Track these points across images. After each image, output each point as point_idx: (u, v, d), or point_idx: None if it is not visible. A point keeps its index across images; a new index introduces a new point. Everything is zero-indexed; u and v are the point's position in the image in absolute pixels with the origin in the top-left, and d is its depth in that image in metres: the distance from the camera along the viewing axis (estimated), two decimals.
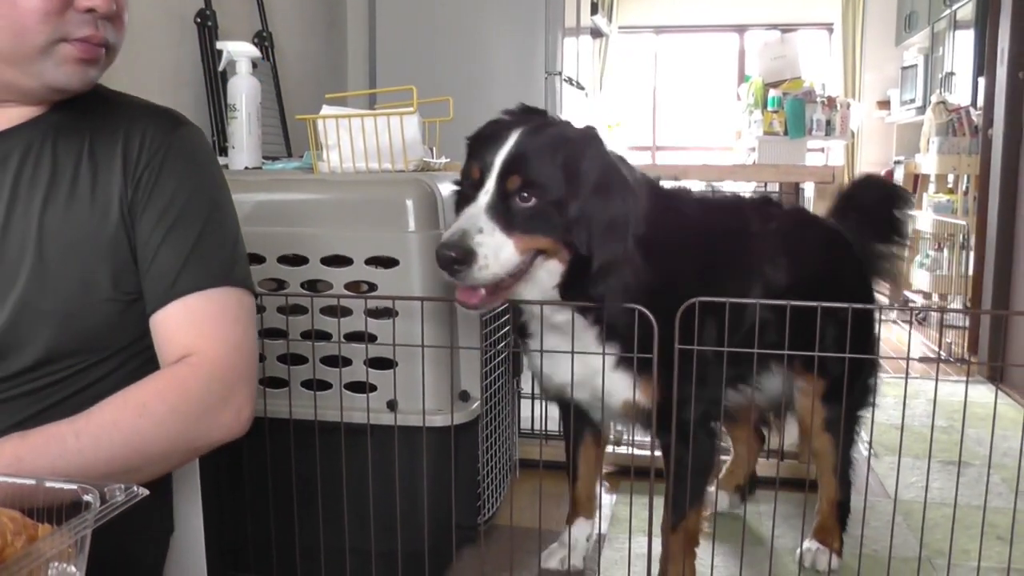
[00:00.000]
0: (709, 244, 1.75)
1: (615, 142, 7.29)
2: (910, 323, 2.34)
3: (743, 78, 6.85)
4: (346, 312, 1.78)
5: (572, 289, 1.56)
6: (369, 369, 1.79)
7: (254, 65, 2.15)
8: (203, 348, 1.08)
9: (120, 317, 1.11)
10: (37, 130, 1.11)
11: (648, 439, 1.76)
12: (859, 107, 6.45)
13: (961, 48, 5.58)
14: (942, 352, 4.20)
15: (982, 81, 4.26)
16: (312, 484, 1.76)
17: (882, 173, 7.12)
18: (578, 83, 4.01)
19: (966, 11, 5.42)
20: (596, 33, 5.80)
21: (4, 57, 1.03)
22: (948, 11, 5.67)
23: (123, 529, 0.74)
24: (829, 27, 7.78)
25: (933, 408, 1.56)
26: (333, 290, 1.82)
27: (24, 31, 1.02)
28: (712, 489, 2.22)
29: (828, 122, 5.55)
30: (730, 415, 2.02)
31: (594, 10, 4.76)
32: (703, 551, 2.01)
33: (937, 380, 1.63)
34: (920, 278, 5.07)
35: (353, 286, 1.82)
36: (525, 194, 1.47)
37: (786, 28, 7.22)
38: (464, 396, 1.90)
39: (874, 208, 2.13)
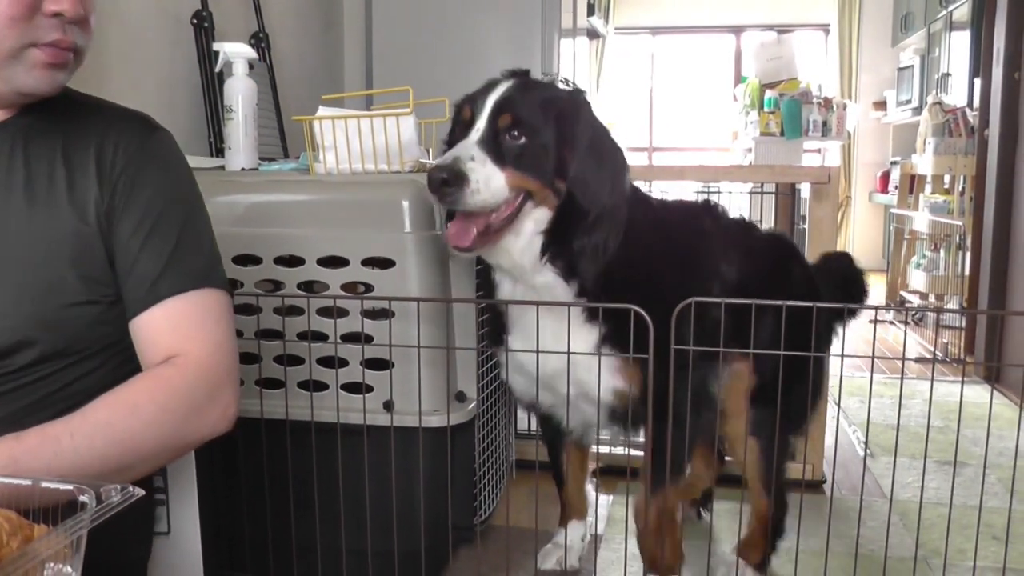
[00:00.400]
0: (675, 239, 1.76)
1: None
2: (906, 323, 2.34)
3: (740, 79, 6.86)
4: (342, 313, 1.78)
5: (556, 241, 1.55)
6: (365, 370, 1.79)
7: (251, 66, 2.15)
8: (188, 349, 1.10)
9: (99, 319, 1.12)
10: (7, 133, 1.11)
11: (644, 439, 1.75)
12: (855, 108, 6.46)
13: (957, 49, 5.59)
14: (938, 352, 4.21)
15: (978, 82, 4.27)
16: (308, 485, 1.76)
17: (878, 174, 7.15)
18: (574, 84, 4.01)
19: (962, 12, 5.44)
20: (592, 34, 5.81)
21: None
22: (944, 12, 5.68)
23: (106, 529, 0.75)
24: (825, 28, 7.80)
25: (929, 408, 1.56)
26: (329, 291, 1.82)
27: None
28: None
29: (824, 123, 5.57)
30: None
31: (590, 11, 4.77)
32: (699, 551, 2.01)
33: (933, 380, 1.64)
34: (916, 278, 5.08)
35: (349, 287, 1.83)
36: (515, 132, 1.49)
37: (782, 29, 7.24)
38: (460, 397, 1.90)
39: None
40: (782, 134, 5.48)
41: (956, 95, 5.50)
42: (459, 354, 1.89)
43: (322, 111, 2.01)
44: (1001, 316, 3.46)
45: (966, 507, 2.29)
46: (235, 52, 2.13)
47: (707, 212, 1.90)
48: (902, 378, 1.68)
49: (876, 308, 1.69)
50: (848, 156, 7.50)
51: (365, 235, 1.81)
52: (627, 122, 8.20)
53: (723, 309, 1.56)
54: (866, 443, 2.81)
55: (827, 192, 2.44)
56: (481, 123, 1.50)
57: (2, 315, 1.06)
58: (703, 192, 3.02)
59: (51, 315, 1.08)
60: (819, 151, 6.91)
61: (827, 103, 5.57)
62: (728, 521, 2.20)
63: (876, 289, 6.35)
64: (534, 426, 2.57)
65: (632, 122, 8.35)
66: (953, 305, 4.53)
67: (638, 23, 8.11)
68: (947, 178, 5.31)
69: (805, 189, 2.91)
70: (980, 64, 4.19)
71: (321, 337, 1.80)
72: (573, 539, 2.02)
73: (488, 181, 1.45)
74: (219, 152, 2.52)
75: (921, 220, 5.06)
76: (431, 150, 2.20)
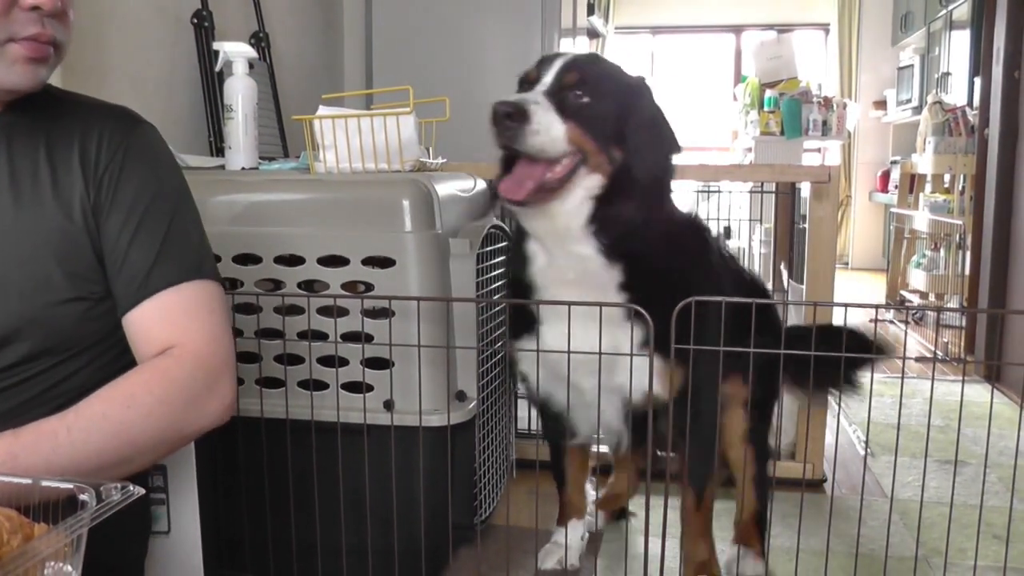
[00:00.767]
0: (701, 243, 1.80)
1: None
2: (906, 322, 2.34)
3: (739, 78, 6.86)
4: (343, 312, 1.78)
5: (604, 210, 1.56)
6: (366, 369, 1.79)
7: (251, 66, 2.15)
8: (183, 341, 1.10)
9: (87, 316, 1.12)
10: None
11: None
12: (855, 107, 6.46)
13: (957, 48, 5.60)
14: (938, 351, 4.21)
15: (978, 81, 4.27)
16: (309, 484, 1.76)
17: (878, 173, 7.15)
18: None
19: (962, 11, 5.44)
20: (592, 34, 5.80)
21: None
22: (944, 11, 5.68)
23: (101, 528, 0.75)
24: (825, 27, 7.80)
25: (929, 407, 1.56)
26: (330, 290, 1.82)
27: None
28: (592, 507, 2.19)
29: (824, 122, 5.56)
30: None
31: (590, 11, 4.77)
32: None
33: (933, 379, 1.64)
34: (916, 278, 5.08)
35: (350, 286, 1.82)
36: (579, 92, 1.51)
37: (782, 28, 7.25)
38: (461, 396, 1.90)
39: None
40: (782, 133, 5.48)
41: (956, 94, 5.51)
42: (459, 353, 1.89)
43: (322, 110, 2.01)
44: (1001, 315, 3.46)
45: (967, 506, 2.29)
46: (235, 51, 2.13)
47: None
48: (903, 377, 1.68)
49: (876, 307, 1.69)
50: (848, 155, 7.50)
51: (365, 234, 1.81)
52: None
53: (723, 308, 1.56)
54: (866, 442, 2.81)
55: (827, 191, 2.44)
56: (548, 78, 1.52)
57: None
58: (703, 191, 3.03)
59: (38, 313, 1.08)
60: (819, 150, 6.91)
61: (827, 102, 5.56)
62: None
63: (876, 288, 6.36)
64: (535, 426, 2.58)
65: None
66: (953, 304, 4.53)
67: (638, 22, 8.11)
68: (947, 177, 5.31)
69: (805, 188, 2.91)
70: (980, 63, 4.19)
71: (321, 336, 1.80)
72: (572, 538, 2.02)
73: (549, 127, 1.47)
74: (219, 151, 2.52)
75: (921, 219, 5.06)
76: (431, 149, 2.20)
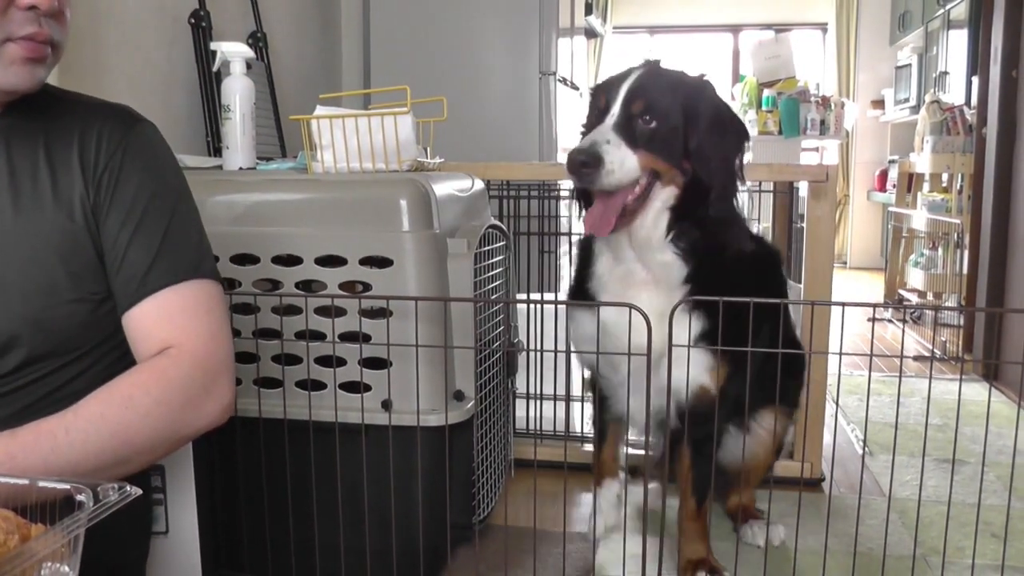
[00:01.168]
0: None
1: None
2: (904, 321, 2.34)
3: (738, 78, 6.86)
4: (340, 312, 1.78)
5: (681, 219, 1.64)
6: (364, 369, 1.79)
7: (248, 66, 2.15)
8: (181, 341, 1.10)
9: (89, 316, 1.12)
10: None
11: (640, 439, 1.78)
12: (853, 106, 6.46)
13: (955, 47, 5.60)
14: (936, 350, 4.21)
15: (976, 80, 4.27)
16: (307, 484, 1.76)
17: (876, 172, 7.15)
18: (572, 83, 4.01)
19: (959, 11, 5.44)
20: (591, 33, 5.81)
21: None
22: (941, 11, 5.69)
23: (101, 530, 0.75)
24: (823, 27, 7.80)
25: (927, 406, 1.57)
26: (327, 290, 1.82)
27: None
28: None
29: (822, 122, 5.56)
30: None
31: (588, 10, 4.77)
32: None
33: (931, 378, 1.64)
34: (915, 277, 5.09)
35: (347, 286, 1.82)
36: (647, 117, 1.60)
37: (780, 28, 7.25)
38: (459, 396, 1.90)
39: None
40: (780, 133, 5.48)
41: (954, 93, 5.51)
42: (457, 353, 1.89)
43: (319, 110, 2.01)
44: (999, 314, 3.47)
45: (965, 505, 2.29)
46: (233, 51, 2.13)
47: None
48: (900, 376, 1.68)
49: (874, 306, 1.68)
50: (846, 155, 7.50)
51: (363, 234, 1.81)
52: None
53: (720, 308, 1.56)
54: (865, 441, 2.81)
55: (825, 191, 2.44)
56: (616, 108, 1.61)
57: None
58: None
59: (41, 314, 1.08)
60: (817, 150, 6.91)
61: (825, 102, 5.57)
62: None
63: (874, 288, 6.36)
64: (533, 425, 2.58)
65: None
66: (951, 303, 4.53)
67: (636, 22, 8.11)
68: (945, 176, 5.31)
69: (803, 188, 2.91)
70: (978, 62, 4.19)
71: (319, 336, 1.80)
72: (608, 498, 2.07)
73: (622, 162, 1.57)
74: (217, 151, 2.52)
75: (919, 218, 5.06)
76: (428, 149, 2.20)
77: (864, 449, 2.75)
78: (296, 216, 1.85)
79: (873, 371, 2.00)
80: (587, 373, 2.14)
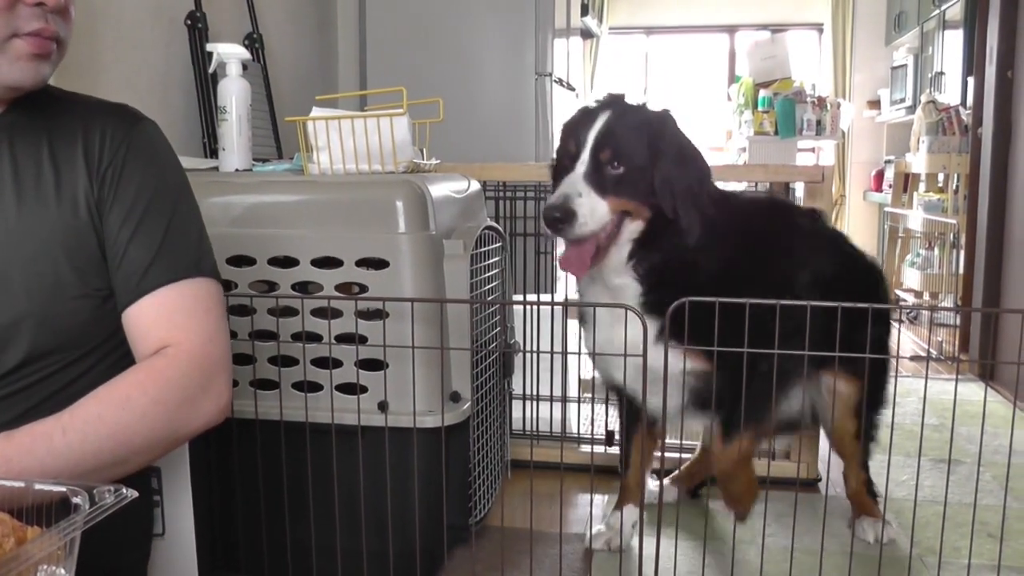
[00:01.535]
0: (751, 238, 1.88)
1: None
2: (900, 321, 2.35)
3: (734, 78, 6.86)
4: (336, 314, 1.78)
5: (643, 248, 1.74)
6: (360, 370, 1.79)
7: (244, 67, 2.15)
8: (179, 339, 1.10)
9: (94, 314, 1.12)
10: None
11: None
12: (849, 107, 6.46)
13: (950, 48, 5.60)
14: (932, 350, 4.22)
15: (971, 80, 4.28)
16: (303, 485, 1.76)
17: (872, 173, 7.16)
18: (568, 84, 4.01)
19: (955, 11, 5.44)
20: (586, 34, 5.81)
21: None
22: (937, 11, 5.69)
23: (103, 532, 0.75)
24: (819, 27, 7.80)
25: (923, 406, 1.57)
26: (323, 292, 1.82)
27: None
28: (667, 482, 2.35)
29: (818, 122, 5.57)
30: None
31: (584, 11, 4.77)
32: (694, 550, 2.01)
33: (927, 378, 1.64)
34: (911, 277, 5.09)
35: (344, 288, 1.82)
36: (615, 163, 1.69)
37: (776, 28, 7.25)
38: (455, 397, 1.90)
39: None
40: (776, 133, 5.48)
41: (950, 94, 5.51)
42: (453, 354, 1.89)
43: (315, 112, 2.01)
44: (995, 314, 3.47)
45: (961, 505, 2.29)
46: (229, 53, 2.13)
47: (774, 208, 2.10)
48: (896, 376, 1.68)
49: (870, 307, 1.68)
50: (842, 155, 7.50)
51: (359, 236, 1.81)
52: None
53: (716, 307, 1.57)
54: None
55: (821, 191, 2.44)
56: (585, 155, 1.70)
57: (3, 315, 1.06)
58: None
59: (46, 311, 1.08)
60: (813, 150, 6.92)
61: (821, 102, 5.57)
62: (758, 517, 2.21)
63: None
64: (529, 426, 2.58)
65: None
66: (947, 303, 4.54)
67: (632, 23, 8.11)
68: (941, 176, 5.31)
69: (799, 188, 2.91)
70: (973, 63, 4.19)
71: (315, 338, 1.80)
72: (625, 523, 2.08)
73: (593, 212, 1.67)
74: (213, 153, 2.52)
75: (915, 218, 5.06)
76: (425, 150, 2.20)
77: None
78: (292, 218, 1.85)
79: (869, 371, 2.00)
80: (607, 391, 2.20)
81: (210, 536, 1.85)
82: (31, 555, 0.69)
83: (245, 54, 2.17)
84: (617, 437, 2.38)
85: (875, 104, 7.33)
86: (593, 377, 2.72)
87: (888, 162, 6.46)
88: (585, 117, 1.76)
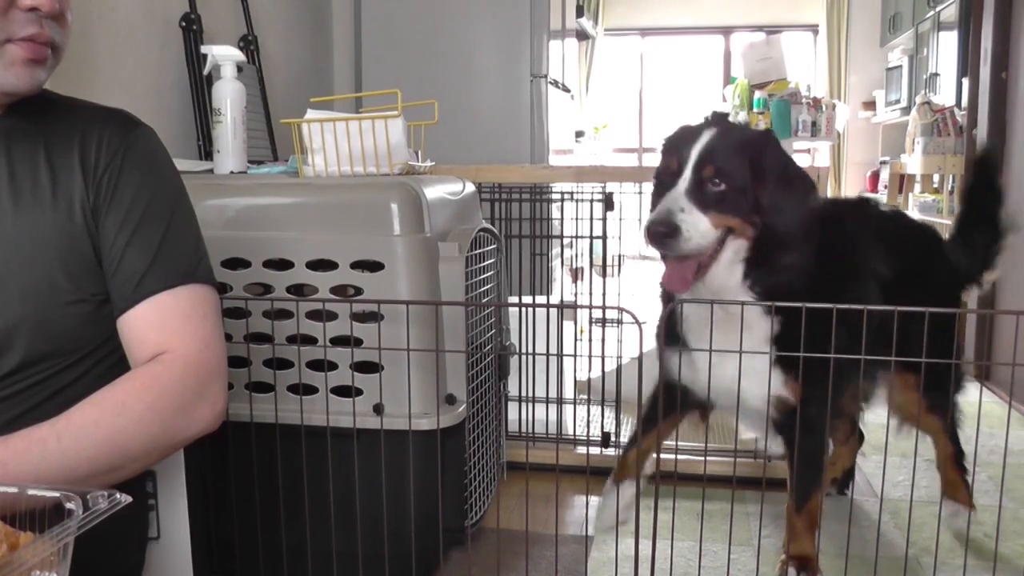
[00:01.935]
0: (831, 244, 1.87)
1: (602, 144, 7.32)
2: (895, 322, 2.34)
3: (729, 80, 6.87)
4: (331, 316, 1.78)
5: (757, 267, 1.73)
6: (355, 373, 1.79)
7: (239, 69, 2.15)
8: (175, 346, 1.10)
9: (89, 318, 1.12)
10: None
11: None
12: (844, 108, 6.48)
13: (945, 49, 5.61)
14: None
15: (966, 82, 4.28)
16: (298, 488, 1.75)
17: (868, 174, 7.17)
18: (564, 85, 4.02)
19: (950, 12, 5.45)
20: (582, 35, 5.81)
21: None
22: (932, 12, 5.70)
23: (99, 537, 0.74)
24: (814, 28, 7.82)
25: (919, 407, 1.57)
26: (319, 294, 1.82)
27: None
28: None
29: (814, 123, 5.57)
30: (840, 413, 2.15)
31: (580, 13, 4.77)
32: (690, 551, 2.02)
33: (923, 378, 1.64)
34: None
35: (339, 290, 1.82)
36: (717, 180, 1.68)
37: (771, 30, 7.26)
38: (450, 399, 1.90)
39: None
40: None
41: (944, 95, 5.51)
42: (449, 356, 1.89)
43: (310, 114, 2.01)
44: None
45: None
46: (223, 55, 2.13)
47: (859, 208, 2.11)
48: (892, 376, 1.68)
49: (865, 308, 1.68)
50: (837, 156, 7.52)
51: (354, 238, 1.81)
52: (617, 123, 8.21)
53: (712, 308, 1.57)
54: None
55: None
56: (687, 172, 1.69)
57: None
58: None
59: (41, 315, 1.08)
60: (809, 151, 6.93)
61: (816, 103, 5.58)
62: (753, 519, 2.21)
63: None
64: (525, 428, 2.58)
65: (622, 123, 8.36)
66: None
67: (627, 24, 8.12)
68: (936, 177, 5.32)
69: None
70: (968, 64, 4.20)
71: (310, 340, 1.79)
72: (624, 495, 2.05)
73: (696, 226, 1.65)
74: (208, 155, 2.52)
75: None
76: (420, 152, 2.20)
77: None
78: (287, 220, 1.85)
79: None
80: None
81: (205, 540, 1.85)
82: (24, 561, 0.68)
83: (240, 56, 2.16)
84: (614, 438, 2.38)
85: (870, 105, 7.35)
86: (588, 379, 2.73)
87: (883, 163, 6.47)
88: (686, 134, 1.76)
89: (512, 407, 2.56)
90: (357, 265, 1.81)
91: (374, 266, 1.80)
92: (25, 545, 0.72)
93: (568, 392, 2.77)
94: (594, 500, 2.39)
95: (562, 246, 3.08)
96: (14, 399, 1.08)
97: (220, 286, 1.79)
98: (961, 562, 1.85)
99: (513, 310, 2.53)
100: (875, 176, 6.96)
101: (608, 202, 2.61)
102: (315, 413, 1.74)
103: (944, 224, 4.45)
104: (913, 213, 5.05)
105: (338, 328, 1.78)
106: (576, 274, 3.48)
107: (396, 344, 1.71)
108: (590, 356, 2.29)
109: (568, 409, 2.78)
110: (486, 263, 2.12)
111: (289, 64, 3.37)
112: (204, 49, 2.35)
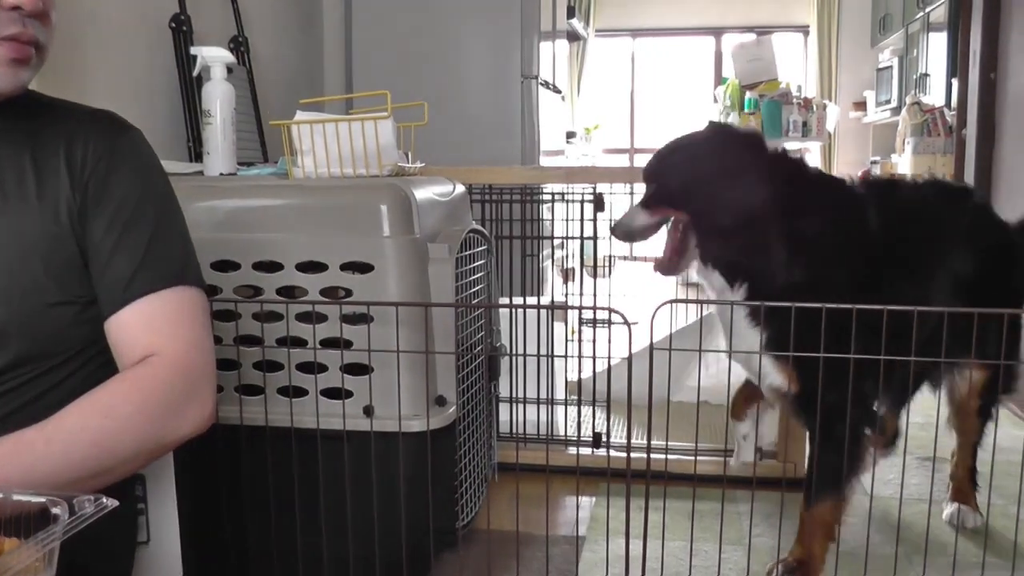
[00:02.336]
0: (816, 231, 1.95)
1: (593, 145, 7.32)
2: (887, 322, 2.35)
3: (720, 80, 6.89)
4: (321, 318, 1.78)
5: (706, 250, 1.90)
6: (345, 375, 1.79)
7: (229, 70, 2.14)
8: (163, 348, 1.09)
9: (75, 320, 1.11)
10: None
11: (624, 441, 1.81)
12: (835, 108, 6.49)
13: (935, 50, 5.63)
14: None
15: (955, 82, 4.30)
16: (289, 491, 1.75)
17: (858, 173, 7.19)
18: (555, 86, 4.02)
19: (939, 13, 5.47)
20: (573, 36, 5.81)
21: None
22: (922, 13, 5.72)
23: (89, 541, 0.74)
24: (805, 29, 7.84)
25: (908, 405, 1.58)
26: (308, 296, 1.81)
27: None
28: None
29: (804, 123, 5.59)
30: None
31: (570, 13, 4.78)
32: (681, 550, 2.02)
33: (914, 377, 1.64)
34: None
35: (328, 292, 1.82)
36: (652, 183, 1.97)
37: (762, 31, 7.27)
38: (440, 401, 1.89)
39: None
40: None
41: (934, 95, 5.54)
42: (439, 358, 1.89)
43: (300, 115, 2.01)
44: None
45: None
46: (213, 56, 2.12)
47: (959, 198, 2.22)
48: (882, 375, 1.69)
49: (856, 308, 1.69)
50: (828, 156, 7.54)
51: (344, 240, 1.81)
52: (608, 124, 8.22)
53: (698, 305, 1.58)
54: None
55: None
56: (644, 188, 2.00)
57: None
58: None
59: (25, 317, 1.07)
60: (799, 151, 6.94)
61: (807, 104, 5.60)
62: (744, 517, 2.21)
63: None
64: (515, 429, 2.58)
65: (613, 124, 8.37)
66: None
67: (618, 25, 8.13)
68: (926, 177, 5.34)
69: None
70: (957, 65, 4.22)
71: (300, 343, 1.79)
72: (745, 433, 2.21)
73: (633, 217, 1.97)
74: (198, 156, 2.51)
75: None
76: (409, 154, 2.20)
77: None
78: (277, 222, 1.85)
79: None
80: None
81: (196, 543, 1.84)
82: (8, 566, 0.68)
83: (230, 57, 2.16)
84: (604, 439, 2.38)
85: (861, 105, 7.37)
86: (579, 380, 2.73)
87: (874, 163, 6.49)
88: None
89: (503, 408, 2.56)
90: (347, 267, 1.80)
91: (364, 268, 1.80)
92: (10, 551, 0.71)
93: (559, 393, 2.78)
94: (585, 501, 2.40)
95: (553, 247, 3.08)
96: (0, 401, 1.08)
97: (209, 288, 1.79)
98: (951, 559, 1.86)
99: (504, 311, 2.53)
100: (866, 175, 6.98)
101: (599, 203, 2.61)
102: (305, 415, 1.74)
103: None
104: None
105: (328, 330, 1.78)
106: (567, 275, 3.49)
107: (386, 346, 1.71)
108: (580, 357, 2.28)
109: (559, 410, 2.78)
110: (476, 264, 2.12)
111: (279, 65, 3.37)
112: (194, 50, 2.34)
